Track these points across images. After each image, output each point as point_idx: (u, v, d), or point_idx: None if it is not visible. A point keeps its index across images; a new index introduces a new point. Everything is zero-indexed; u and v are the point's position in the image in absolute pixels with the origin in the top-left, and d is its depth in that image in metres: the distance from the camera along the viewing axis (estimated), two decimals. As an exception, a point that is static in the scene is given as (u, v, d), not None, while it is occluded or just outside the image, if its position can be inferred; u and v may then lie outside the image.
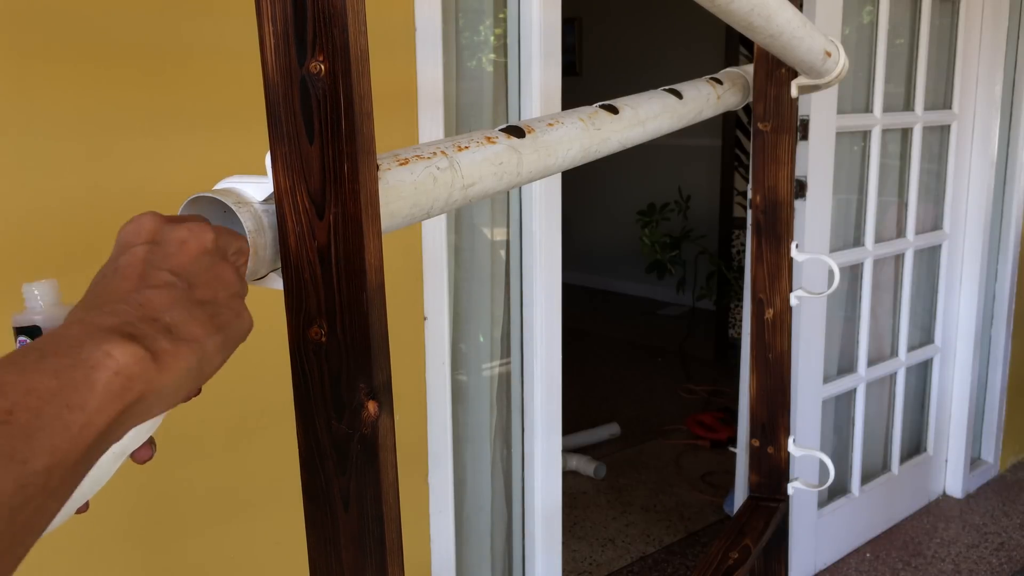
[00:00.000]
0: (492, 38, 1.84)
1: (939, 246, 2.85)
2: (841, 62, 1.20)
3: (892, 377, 2.78)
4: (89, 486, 0.46)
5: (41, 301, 0.52)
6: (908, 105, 2.62)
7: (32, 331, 0.51)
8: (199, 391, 0.50)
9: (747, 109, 2.25)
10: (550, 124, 0.78)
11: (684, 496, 3.04)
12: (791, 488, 1.42)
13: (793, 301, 1.35)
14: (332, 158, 0.51)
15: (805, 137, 2.27)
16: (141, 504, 1.36)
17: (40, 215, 1.21)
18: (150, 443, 0.49)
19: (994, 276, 3.00)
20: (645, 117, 0.93)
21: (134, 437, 0.47)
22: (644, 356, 4.68)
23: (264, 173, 0.56)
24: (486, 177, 0.67)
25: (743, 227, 4.61)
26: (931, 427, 2.97)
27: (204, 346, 0.40)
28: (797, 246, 1.34)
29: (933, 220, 2.84)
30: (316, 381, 0.54)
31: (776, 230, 1.33)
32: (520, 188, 1.86)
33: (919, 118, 2.62)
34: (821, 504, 2.57)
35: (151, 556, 1.39)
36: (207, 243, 0.45)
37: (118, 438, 0.35)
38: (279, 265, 0.56)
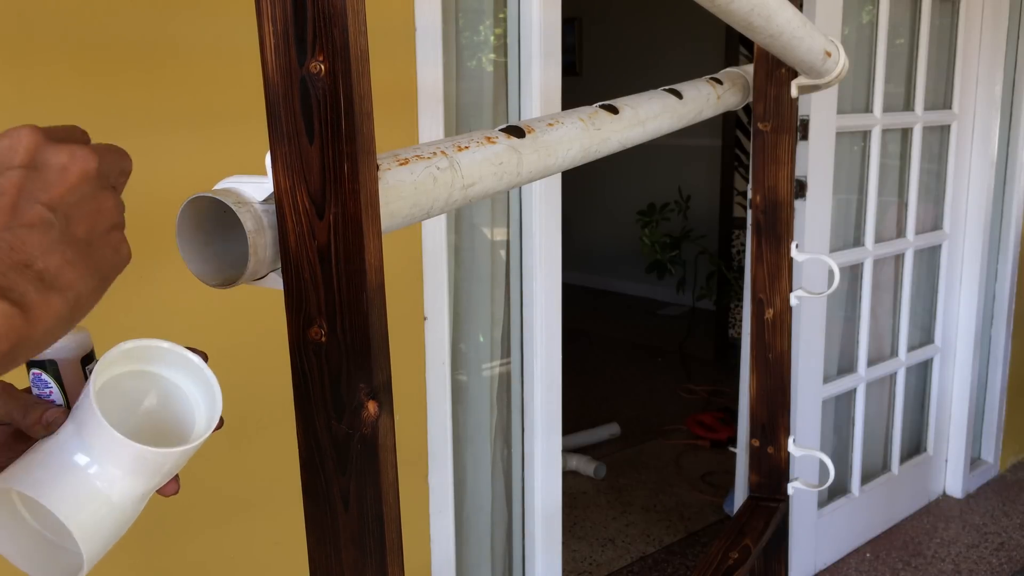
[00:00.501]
0: (492, 38, 1.84)
1: (939, 246, 2.85)
2: (841, 62, 1.20)
3: (892, 377, 2.78)
4: (119, 527, 0.46)
5: None
6: (908, 105, 2.62)
7: (45, 365, 0.51)
8: (221, 424, 0.50)
9: (747, 109, 2.25)
10: (550, 124, 0.78)
11: (684, 496, 3.04)
12: (791, 488, 1.42)
13: (793, 301, 1.35)
14: (332, 158, 0.51)
15: (805, 137, 2.27)
16: (141, 504, 1.36)
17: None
18: (176, 479, 0.49)
19: (994, 276, 3.00)
20: (645, 117, 0.93)
21: (164, 475, 0.48)
22: (644, 356, 4.68)
23: (264, 173, 0.56)
24: (486, 177, 0.67)
25: (743, 227, 4.61)
26: (931, 427, 2.97)
27: (78, 291, 0.39)
28: (797, 246, 1.34)
29: (933, 220, 2.84)
30: (316, 381, 0.54)
31: (776, 230, 1.33)
32: (520, 188, 1.86)
33: (919, 118, 2.62)
34: (821, 504, 2.57)
35: (151, 556, 1.39)
36: (90, 169, 0.42)
37: None
38: (279, 265, 0.56)
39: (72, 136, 0.43)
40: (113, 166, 0.44)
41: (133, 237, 0.57)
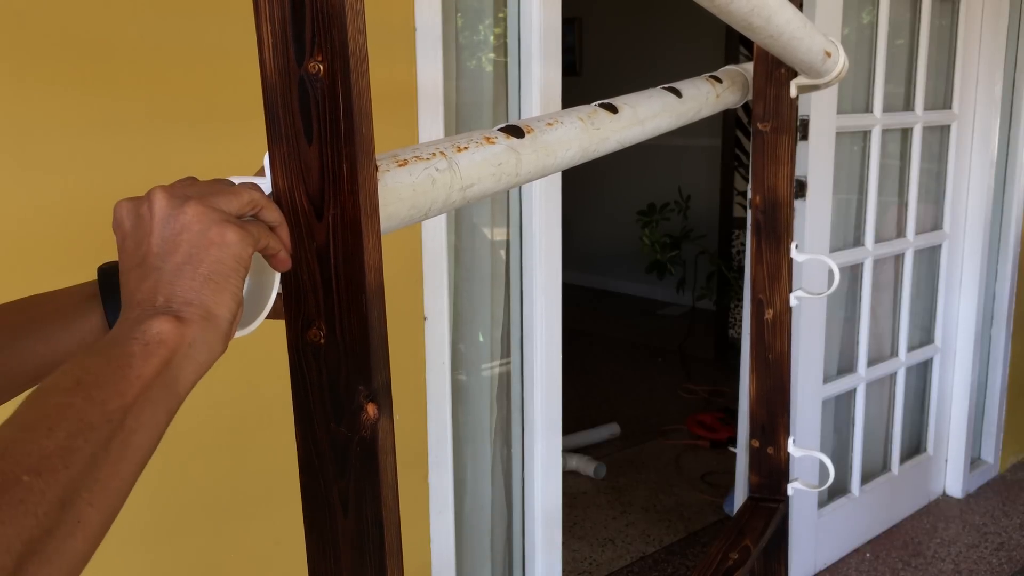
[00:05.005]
0: (492, 38, 1.84)
1: (939, 246, 2.85)
2: (841, 62, 1.20)
3: (892, 377, 2.77)
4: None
5: None
6: (908, 105, 2.62)
7: None
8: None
9: (747, 108, 2.25)
10: (549, 124, 0.78)
11: (684, 496, 3.04)
12: (791, 488, 1.42)
13: (793, 301, 1.35)
14: (331, 159, 0.50)
15: (805, 137, 2.27)
16: (141, 503, 1.36)
17: (40, 215, 1.21)
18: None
19: (994, 276, 3.00)
20: (644, 116, 0.93)
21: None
22: (644, 356, 4.68)
23: (263, 174, 0.55)
24: (484, 178, 0.67)
25: (743, 227, 4.61)
26: (931, 427, 2.97)
27: (208, 308, 0.48)
28: (797, 246, 1.34)
29: (933, 220, 2.83)
30: (315, 383, 0.54)
31: (776, 230, 1.32)
32: (520, 188, 1.86)
33: (919, 118, 2.62)
34: (821, 504, 2.57)
35: (151, 555, 1.39)
36: (204, 227, 0.51)
37: (181, 386, 0.47)
38: (278, 266, 0.55)
39: (186, 191, 0.51)
40: (227, 206, 0.51)
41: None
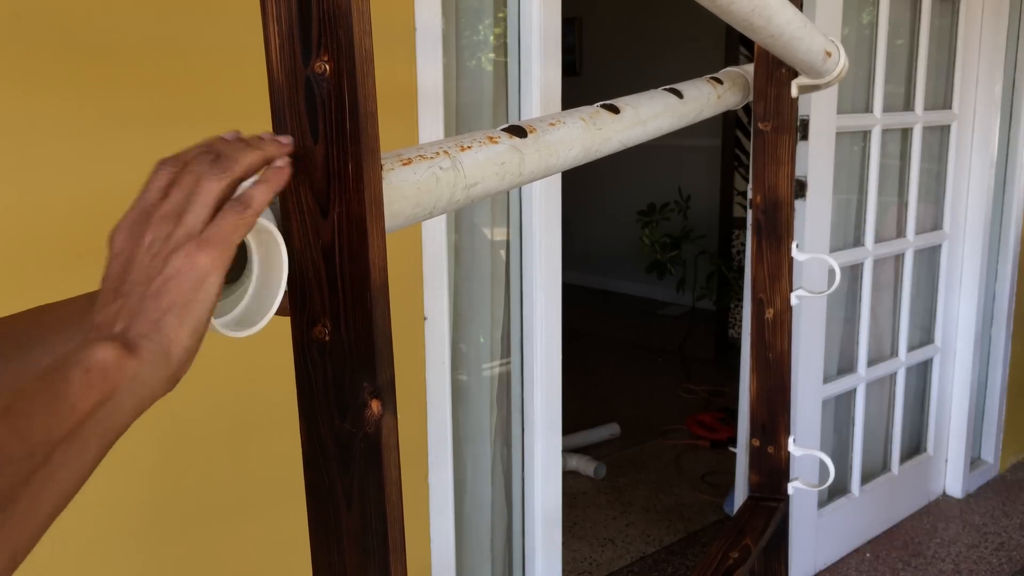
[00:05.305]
0: (492, 38, 1.84)
1: (939, 246, 2.85)
2: (841, 62, 1.20)
3: (892, 377, 2.78)
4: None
5: None
6: (908, 105, 2.63)
7: None
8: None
9: (747, 109, 2.25)
10: (552, 124, 0.78)
11: (684, 496, 3.04)
12: (791, 488, 1.42)
13: (793, 301, 1.35)
14: (336, 158, 0.51)
15: (805, 137, 2.27)
16: (143, 502, 1.36)
17: (40, 215, 1.21)
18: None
19: (994, 276, 3.01)
20: (646, 117, 0.94)
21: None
22: (644, 356, 4.68)
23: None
24: (488, 177, 0.67)
25: (743, 227, 4.61)
26: (931, 427, 2.97)
27: (169, 339, 0.47)
28: (797, 246, 1.34)
29: (933, 220, 2.84)
30: (320, 380, 0.54)
31: (776, 230, 1.33)
32: (520, 188, 1.86)
33: (919, 118, 2.62)
34: (821, 504, 2.57)
35: (153, 554, 1.39)
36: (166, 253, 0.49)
37: (118, 421, 0.44)
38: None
39: (176, 208, 0.49)
40: (203, 214, 0.49)
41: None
